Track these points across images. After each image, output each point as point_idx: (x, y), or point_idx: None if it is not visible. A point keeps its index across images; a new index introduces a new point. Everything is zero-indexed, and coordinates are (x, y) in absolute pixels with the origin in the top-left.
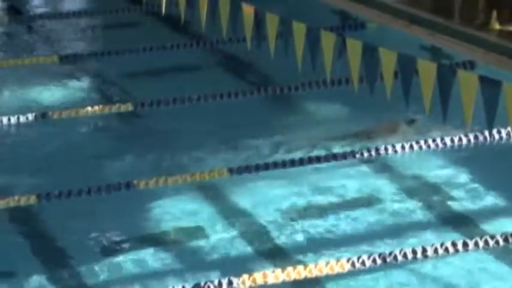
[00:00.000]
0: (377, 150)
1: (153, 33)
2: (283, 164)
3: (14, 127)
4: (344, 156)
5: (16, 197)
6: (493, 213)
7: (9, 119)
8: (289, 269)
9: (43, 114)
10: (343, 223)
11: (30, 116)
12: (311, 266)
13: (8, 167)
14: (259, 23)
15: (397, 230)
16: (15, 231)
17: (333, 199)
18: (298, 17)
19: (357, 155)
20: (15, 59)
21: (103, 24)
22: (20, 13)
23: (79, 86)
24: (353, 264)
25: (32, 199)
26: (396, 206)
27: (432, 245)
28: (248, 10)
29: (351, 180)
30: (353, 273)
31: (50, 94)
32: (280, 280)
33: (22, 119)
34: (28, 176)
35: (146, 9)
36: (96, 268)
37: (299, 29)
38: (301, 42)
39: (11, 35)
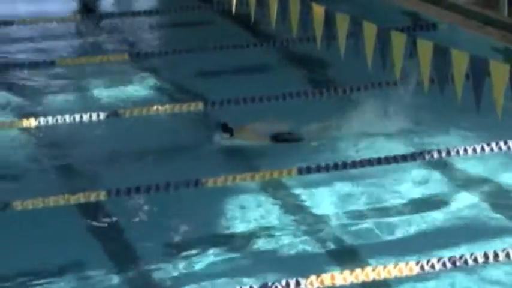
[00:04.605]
0: (448, 152)
1: (223, 32)
2: (353, 165)
3: (86, 125)
4: (413, 157)
5: (86, 193)
6: None
7: (81, 117)
8: (358, 270)
9: (114, 113)
10: (413, 225)
11: (102, 114)
12: (380, 268)
13: (80, 163)
14: (329, 22)
15: (468, 234)
16: (85, 227)
17: (402, 201)
18: (369, 18)
19: (427, 156)
20: (86, 57)
21: (174, 22)
22: (92, 11)
23: (149, 84)
24: (422, 267)
25: (102, 195)
26: (466, 209)
27: (503, 250)
28: (318, 10)
29: (420, 182)
30: (422, 277)
31: (120, 92)
32: (348, 282)
33: (94, 117)
34: (99, 172)
35: (217, 8)
36: (163, 266)
37: (370, 29)
38: (371, 43)
39: (83, 33)
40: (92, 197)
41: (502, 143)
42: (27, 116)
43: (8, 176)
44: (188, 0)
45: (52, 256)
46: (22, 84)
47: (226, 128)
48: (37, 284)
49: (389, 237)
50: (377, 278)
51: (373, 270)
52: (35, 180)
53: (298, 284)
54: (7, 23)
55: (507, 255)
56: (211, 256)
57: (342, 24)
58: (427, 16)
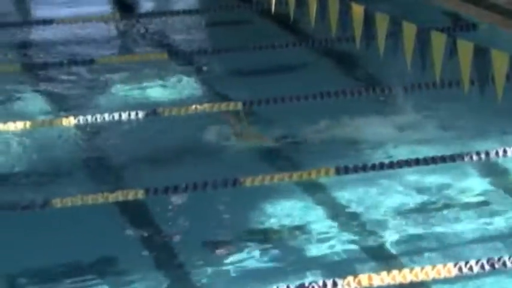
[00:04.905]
0: (487, 153)
1: (262, 31)
2: (391, 165)
3: (125, 123)
4: (452, 158)
5: (125, 191)
6: None
7: (120, 116)
8: (395, 272)
9: (153, 111)
10: (451, 226)
11: (141, 113)
12: (417, 269)
13: (118, 162)
14: (368, 22)
15: (507, 235)
16: (123, 224)
17: (440, 202)
18: (408, 17)
19: (466, 158)
20: (125, 55)
21: (212, 21)
22: (131, 10)
23: (188, 83)
24: (460, 269)
25: (140, 193)
26: (506, 211)
27: None
28: (357, 9)
29: (458, 183)
30: (460, 279)
31: (159, 90)
32: (385, 283)
33: (132, 115)
34: (137, 171)
35: (256, 8)
36: (200, 265)
37: (409, 29)
38: (411, 43)
39: (122, 32)
40: (130, 196)
41: None
42: (66, 114)
43: (48, 173)
44: (227, 0)
45: (90, 254)
46: (61, 82)
47: None
48: (75, 281)
49: (427, 238)
50: (414, 279)
51: (411, 271)
52: (74, 178)
53: (335, 284)
54: (46, 22)
55: None
56: (249, 256)
57: (382, 24)
58: (467, 16)
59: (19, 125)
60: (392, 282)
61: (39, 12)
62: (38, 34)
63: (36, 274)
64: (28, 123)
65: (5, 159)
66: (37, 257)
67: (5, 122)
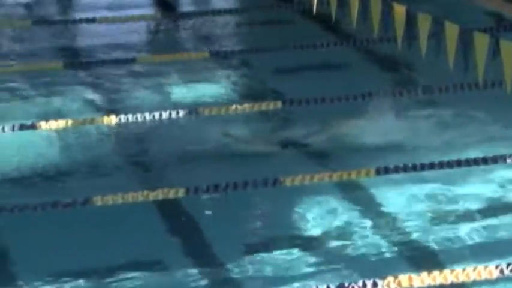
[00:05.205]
0: None
1: (303, 31)
2: (431, 166)
3: (166, 122)
4: (495, 160)
5: (165, 190)
6: None
7: (160, 115)
8: (436, 273)
9: (194, 110)
10: (493, 229)
11: (181, 112)
12: (458, 270)
13: (159, 160)
14: (410, 22)
15: None
16: (163, 223)
17: (482, 204)
18: (451, 18)
19: (508, 160)
20: (166, 55)
21: (254, 21)
22: (172, 9)
23: (229, 82)
24: (502, 271)
25: (181, 192)
26: None
27: None
28: (399, 9)
29: (500, 185)
30: (502, 280)
31: (200, 90)
32: (425, 284)
33: (173, 114)
34: (178, 170)
35: (297, 8)
36: (239, 264)
37: (452, 30)
38: (453, 43)
39: (164, 31)
40: (171, 194)
41: None
42: (107, 113)
43: (89, 171)
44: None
45: (129, 252)
46: (103, 81)
47: None
48: (114, 279)
49: (468, 240)
50: (455, 280)
51: (452, 272)
52: (115, 176)
53: (375, 284)
54: (89, 20)
55: None
56: (288, 255)
57: (424, 24)
58: (510, 16)
59: (60, 123)
60: (432, 283)
61: (82, 11)
62: (80, 33)
63: (77, 272)
64: (69, 122)
65: (46, 157)
66: (77, 255)
67: (46, 120)
